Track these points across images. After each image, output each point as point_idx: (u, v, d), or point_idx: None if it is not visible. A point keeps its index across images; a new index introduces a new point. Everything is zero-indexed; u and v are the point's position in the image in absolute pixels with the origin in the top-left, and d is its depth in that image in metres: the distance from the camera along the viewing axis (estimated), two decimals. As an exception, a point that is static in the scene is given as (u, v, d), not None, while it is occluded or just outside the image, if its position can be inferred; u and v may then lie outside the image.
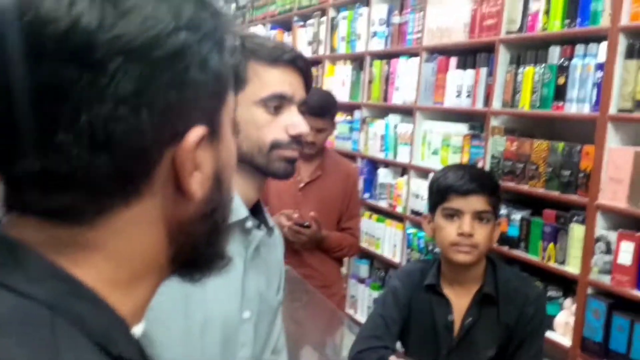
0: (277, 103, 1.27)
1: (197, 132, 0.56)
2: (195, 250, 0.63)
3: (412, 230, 3.87)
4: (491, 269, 1.93)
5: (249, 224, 1.31)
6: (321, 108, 3.06)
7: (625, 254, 2.41)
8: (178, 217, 0.58)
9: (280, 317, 1.54)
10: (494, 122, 3.15)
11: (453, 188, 1.86)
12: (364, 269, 4.43)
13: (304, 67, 1.31)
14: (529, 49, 2.96)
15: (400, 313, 1.95)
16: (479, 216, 1.86)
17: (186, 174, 0.56)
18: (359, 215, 3.16)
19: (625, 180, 2.42)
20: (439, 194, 1.90)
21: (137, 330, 0.59)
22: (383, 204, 4.20)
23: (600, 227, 2.54)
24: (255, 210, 1.37)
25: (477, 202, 1.86)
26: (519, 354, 1.87)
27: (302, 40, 5.39)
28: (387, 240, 4.14)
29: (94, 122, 0.51)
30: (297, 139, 1.29)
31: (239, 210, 1.29)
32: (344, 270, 3.79)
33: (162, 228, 0.58)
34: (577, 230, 2.66)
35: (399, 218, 4.07)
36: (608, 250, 2.50)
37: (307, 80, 1.34)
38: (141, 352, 0.57)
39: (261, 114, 1.27)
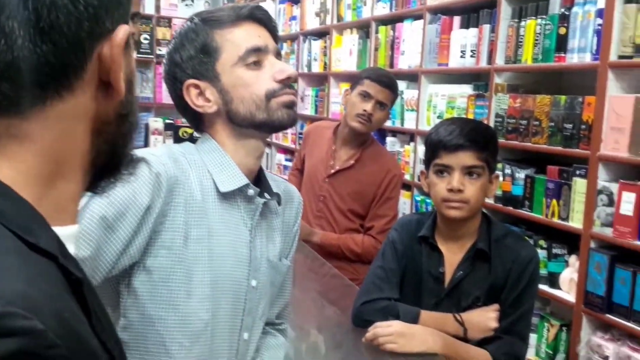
0: (255, 57, 1.28)
1: (124, 30, 0.60)
2: (112, 151, 0.65)
3: (420, 198, 3.83)
4: (485, 225, 1.91)
5: (251, 191, 1.32)
6: (389, 79, 2.90)
7: (626, 205, 2.35)
8: (102, 115, 0.62)
9: (289, 283, 1.54)
10: (497, 80, 3.09)
11: (442, 144, 1.83)
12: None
13: (264, 17, 1.33)
14: (530, 1, 2.90)
15: (398, 263, 1.95)
16: (468, 171, 1.83)
17: (117, 69, 0.59)
18: (388, 217, 2.86)
19: (626, 128, 2.36)
20: (431, 149, 1.88)
21: (67, 230, 0.61)
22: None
23: (602, 179, 2.48)
24: (259, 179, 1.38)
25: (466, 158, 1.82)
26: (506, 312, 1.84)
27: (309, 12, 5.36)
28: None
29: (39, 9, 0.54)
30: (287, 83, 1.30)
31: (238, 177, 1.31)
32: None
33: (88, 126, 0.61)
34: (579, 184, 2.61)
35: (407, 186, 4.03)
36: (610, 202, 2.44)
37: (272, 29, 1.35)
38: (61, 248, 0.57)
39: (244, 72, 1.28)
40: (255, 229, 1.34)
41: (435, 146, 1.86)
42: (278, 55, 1.33)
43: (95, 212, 1.12)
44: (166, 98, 6.53)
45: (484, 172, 1.85)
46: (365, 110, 2.81)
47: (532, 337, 2.91)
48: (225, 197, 1.30)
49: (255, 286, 1.34)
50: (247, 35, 1.29)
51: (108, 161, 0.65)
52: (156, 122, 4.48)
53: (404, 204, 4.00)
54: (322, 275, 2.68)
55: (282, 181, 1.52)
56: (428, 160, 1.91)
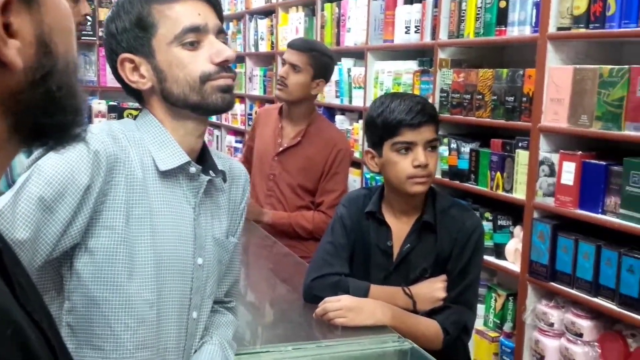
0: (192, 37, 1.24)
1: None
2: (34, 120, 0.61)
3: (369, 175, 3.85)
4: (431, 198, 1.94)
5: (193, 169, 1.30)
6: (302, 42, 3.00)
7: (567, 175, 2.41)
8: (6, 87, 0.57)
9: (237, 261, 1.53)
10: (441, 55, 3.12)
11: (405, 122, 1.83)
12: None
13: None
14: (471, -25, 2.92)
15: (347, 238, 1.96)
16: (430, 145, 1.86)
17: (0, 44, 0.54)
18: (337, 192, 2.90)
19: (565, 99, 2.40)
20: (387, 128, 1.86)
21: None
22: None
23: (543, 150, 2.53)
24: (203, 156, 1.36)
25: (427, 133, 1.85)
26: (453, 282, 1.87)
27: (255, -10, 5.30)
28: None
29: None
30: (225, 65, 1.26)
31: (178, 155, 1.28)
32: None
33: None
34: (522, 156, 2.65)
35: (356, 164, 4.05)
36: (551, 173, 2.49)
37: (215, 5, 1.31)
38: None
39: (180, 52, 1.25)
40: (199, 206, 1.33)
41: (396, 124, 1.84)
42: (220, 33, 1.30)
43: (33, 193, 1.10)
44: (111, 81, 6.41)
45: (438, 144, 1.89)
46: (280, 76, 2.89)
47: (480, 308, 2.97)
48: (166, 175, 1.28)
49: (202, 264, 1.33)
50: (187, 13, 1.25)
51: (36, 129, 0.62)
52: (99, 105, 4.39)
53: (354, 182, 4.01)
54: (274, 254, 2.68)
55: (228, 158, 1.50)
56: (381, 140, 1.89)
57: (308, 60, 2.89)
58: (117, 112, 4.43)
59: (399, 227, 1.94)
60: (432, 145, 1.87)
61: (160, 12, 1.24)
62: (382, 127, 1.87)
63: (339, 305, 1.81)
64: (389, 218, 1.95)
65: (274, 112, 3.09)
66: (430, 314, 1.87)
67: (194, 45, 1.25)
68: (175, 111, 1.29)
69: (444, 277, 1.89)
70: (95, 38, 6.10)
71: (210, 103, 1.26)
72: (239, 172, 1.48)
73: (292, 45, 2.97)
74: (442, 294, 1.88)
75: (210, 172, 1.34)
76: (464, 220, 1.91)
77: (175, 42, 1.24)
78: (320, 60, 2.92)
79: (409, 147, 1.85)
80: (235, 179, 1.46)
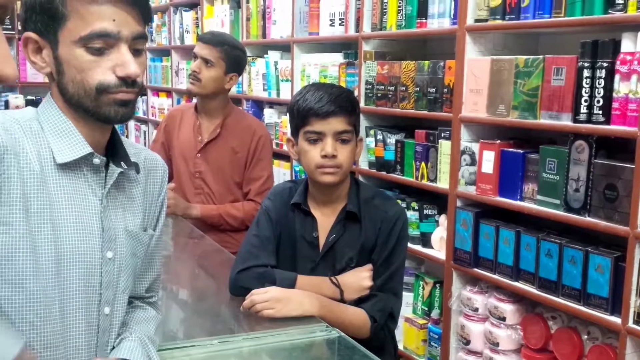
0: (100, 44, 1.18)
1: None
2: None
3: (299, 167, 3.86)
4: (355, 188, 1.96)
5: (96, 160, 1.25)
6: (213, 35, 2.97)
7: (487, 163, 2.47)
8: None
9: (158, 255, 1.50)
10: (366, 47, 3.14)
11: (312, 111, 1.84)
12: (254, 210, 4.40)
13: None
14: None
15: (273, 231, 1.96)
16: (340, 137, 1.86)
17: None
18: (263, 178, 2.94)
19: (483, 90, 2.46)
20: (300, 117, 1.88)
21: None
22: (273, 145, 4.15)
23: (465, 140, 2.59)
24: (114, 146, 1.31)
25: (337, 123, 1.85)
26: (379, 271, 1.89)
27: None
28: (276, 180, 4.11)
29: None
30: (126, 81, 1.20)
31: (79, 146, 1.23)
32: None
33: None
34: (445, 146, 2.71)
35: (286, 157, 4.05)
36: (472, 162, 2.55)
37: (142, 9, 1.23)
38: None
39: (82, 54, 1.18)
40: (106, 198, 1.28)
41: (306, 114, 1.86)
42: (139, 39, 1.23)
43: None
44: (31, 76, 6.20)
45: (353, 136, 1.89)
46: (192, 70, 2.88)
47: (409, 296, 3.02)
48: (68, 166, 1.23)
49: (112, 258, 1.29)
50: (100, 16, 1.17)
51: None
52: (17, 99, 4.24)
53: (284, 175, 4.02)
54: (201, 248, 2.66)
55: (143, 149, 1.46)
56: (297, 128, 1.92)
57: (219, 54, 2.89)
58: (35, 106, 4.29)
59: (324, 218, 1.96)
60: (342, 138, 1.87)
61: (73, 6, 1.18)
62: (296, 115, 1.90)
63: (266, 297, 1.81)
64: (314, 209, 1.96)
65: (188, 111, 3.08)
66: (357, 302, 1.89)
67: (99, 51, 1.18)
68: (72, 106, 1.24)
69: (369, 266, 1.91)
70: (14, 32, 5.88)
71: (103, 114, 1.22)
72: (155, 163, 1.44)
73: (202, 39, 2.95)
74: (369, 283, 1.90)
75: (122, 163, 1.30)
76: (387, 209, 1.93)
77: (79, 43, 1.18)
78: (231, 55, 2.92)
79: (318, 137, 1.86)
80: (152, 171, 1.42)
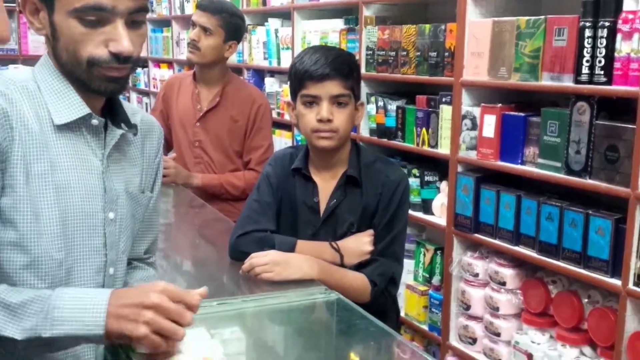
0: (93, 17, 1.15)
1: None
2: None
3: (300, 137, 3.84)
4: (355, 153, 1.94)
5: (95, 121, 1.23)
6: (211, 3, 2.92)
7: (488, 127, 2.45)
8: None
9: (157, 218, 1.49)
10: (366, 12, 3.11)
11: (308, 74, 1.82)
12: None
13: None
14: None
15: (274, 196, 1.94)
16: (336, 101, 1.84)
17: None
18: (263, 147, 2.93)
19: (485, 53, 2.43)
20: (297, 80, 1.86)
21: None
22: (273, 114, 4.13)
23: (466, 104, 2.57)
24: (112, 108, 1.30)
25: (333, 87, 1.82)
26: (380, 235, 1.88)
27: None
28: (277, 149, 4.09)
29: None
30: (119, 57, 1.17)
31: (77, 107, 1.21)
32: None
33: None
34: (446, 111, 2.68)
35: (287, 126, 4.03)
36: (473, 126, 2.53)
37: None
38: None
39: (76, 26, 1.15)
40: (107, 159, 1.28)
41: (301, 77, 1.84)
42: (139, 12, 1.18)
43: None
44: (33, 49, 6.18)
45: (351, 100, 1.86)
46: (191, 39, 2.85)
47: (410, 263, 3.02)
48: (67, 127, 1.22)
49: (114, 218, 1.29)
50: None
51: None
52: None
53: (285, 144, 4.00)
54: (202, 216, 2.65)
55: (139, 110, 1.45)
56: (294, 92, 1.89)
57: (218, 22, 2.85)
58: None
59: (325, 183, 1.94)
60: (339, 101, 1.84)
61: None
62: (293, 78, 1.88)
63: (266, 260, 1.80)
64: (315, 174, 1.95)
65: (187, 79, 3.05)
66: (358, 268, 1.88)
67: (93, 24, 1.15)
68: (65, 72, 1.22)
69: (370, 231, 1.90)
70: (14, 4, 5.84)
71: (93, 87, 1.20)
72: (151, 125, 1.42)
73: (200, 7, 2.90)
74: (369, 248, 1.89)
75: (122, 125, 1.29)
76: (388, 173, 1.92)
77: (73, 14, 1.15)
78: (230, 22, 2.89)
79: (314, 100, 1.84)
80: (148, 133, 1.40)
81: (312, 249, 1.89)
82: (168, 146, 3.12)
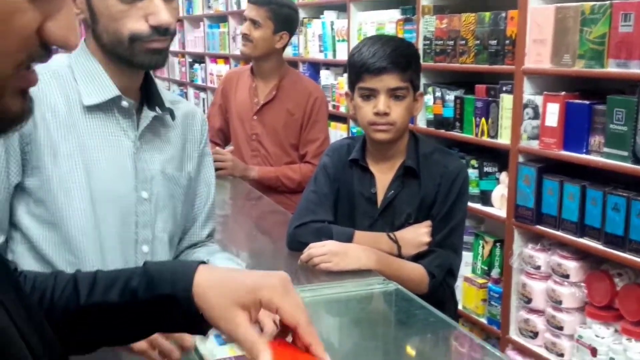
0: None
1: None
2: None
3: (356, 129, 3.83)
4: (413, 143, 1.91)
5: (125, 103, 1.26)
6: None
7: (551, 116, 2.39)
8: None
9: (210, 202, 1.52)
10: (424, 2, 3.07)
11: (365, 67, 1.80)
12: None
13: None
14: None
15: (331, 187, 1.94)
16: (393, 94, 1.81)
17: None
18: (320, 140, 2.91)
19: (547, 39, 2.37)
20: (354, 72, 1.85)
21: None
22: (329, 107, 4.13)
23: (528, 93, 2.51)
24: (149, 91, 1.32)
25: (390, 80, 1.79)
26: (438, 227, 1.85)
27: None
28: (332, 141, 4.09)
29: None
30: (159, 30, 1.20)
31: (108, 89, 1.25)
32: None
33: None
34: (506, 101, 2.63)
35: (342, 119, 4.03)
36: (535, 115, 2.47)
37: None
38: None
39: (115, 4, 1.18)
40: (140, 141, 1.30)
41: (359, 69, 1.82)
42: None
43: None
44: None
45: (409, 92, 1.83)
46: (243, 33, 2.88)
47: (468, 255, 2.98)
48: (99, 108, 1.26)
49: (148, 198, 1.31)
50: None
51: None
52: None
53: (341, 137, 3.99)
54: (259, 207, 2.67)
55: (182, 99, 1.49)
56: (352, 83, 1.88)
57: (266, 14, 2.86)
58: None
59: (383, 175, 1.92)
60: (396, 94, 1.81)
61: None
62: (352, 70, 1.86)
63: (324, 250, 1.80)
64: (372, 165, 1.93)
65: (245, 73, 3.07)
66: (415, 259, 1.86)
67: (130, 0, 1.18)
68: (106, 53, 1.25)
69: (428, 222, 1.87)
70: None
71: (137, 62, 1.22)
72: (194, 112, 1.45)
73: (250, 0, 2.92)
74: (427, 239, 1.86)
75: (157, 108, 1.32)
76: (447, 164, 1.89)
77: None
78: (279, 13, 2.88)
79: (371, 93, 1.82)
80: (190, 119, 1.43)
81: (370, 239, 1.87)
82: (226, 139, 3.16)
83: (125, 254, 1.29)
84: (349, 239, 1.86)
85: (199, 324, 0.84)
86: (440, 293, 1.89)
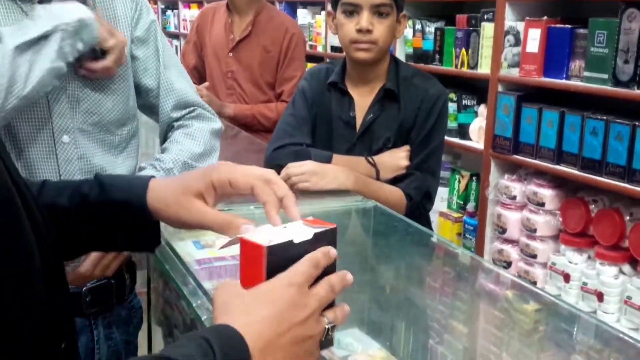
0: None
1: None
2: None
3: (333, 68, 3.78)
4: (394, 66, 1.88)
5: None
6: None
7: (532, 42, 2.37)
8: None
9: (175, 70, 1.47)
10: None
11: None
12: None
13: None
14: None
15: (309, 110, 1.90)
16: (377, 10, 1.77)
17: None
18: (296, 78, 2.79)
19: (531, -37, 2.34)
20: None
21: None
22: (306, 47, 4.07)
23: (509, 20, 2.49)
24: None
25: None
26: (416, 150, 1.83)
27: None
28: (309, 81, 4.05)
29: None
30: None
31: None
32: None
33: None
34: (487, 29, 2.61)
35: (320, 59, 3.97)
36: (517, 42, 2.46)
37: None
38: None
39: None
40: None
41: None
42: None
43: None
44: None
45: (393, 10, 1.79)
46: None
47: (444, 191, 2.98)
48: None
49: (69, 142, 1.24)
50: None
51: None
52: None
53: (318, 77, 3.95)
54: (237, 141, 2.63)
55: None
56: (335, 0, 1.84)
57: None
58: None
59: (362, 98, 1.89)
60: (380, 11, 1.77)
61: None
62: None
63: (302, 170, 1.76)
64: (352, 89, 1.89)
65: (220, 9, 2.98)
66: (393, 182, 1.85)
67: None
68: None
69: (407, 147, 1.86)
70: None
71: None
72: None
73: None
74: (405, 162, 1.84)
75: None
76: (428, 87, 1.86)
77: None
78: None
79: (354, 9, 1.77)
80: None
81: (348, 162, 1.85)
82: (201, 78, 3.08)
83: (42, 145, 1.23)
84: (327, 161, 1.83)
85: (153, 235, 0.87)
86: (417, 215, 1.88)
